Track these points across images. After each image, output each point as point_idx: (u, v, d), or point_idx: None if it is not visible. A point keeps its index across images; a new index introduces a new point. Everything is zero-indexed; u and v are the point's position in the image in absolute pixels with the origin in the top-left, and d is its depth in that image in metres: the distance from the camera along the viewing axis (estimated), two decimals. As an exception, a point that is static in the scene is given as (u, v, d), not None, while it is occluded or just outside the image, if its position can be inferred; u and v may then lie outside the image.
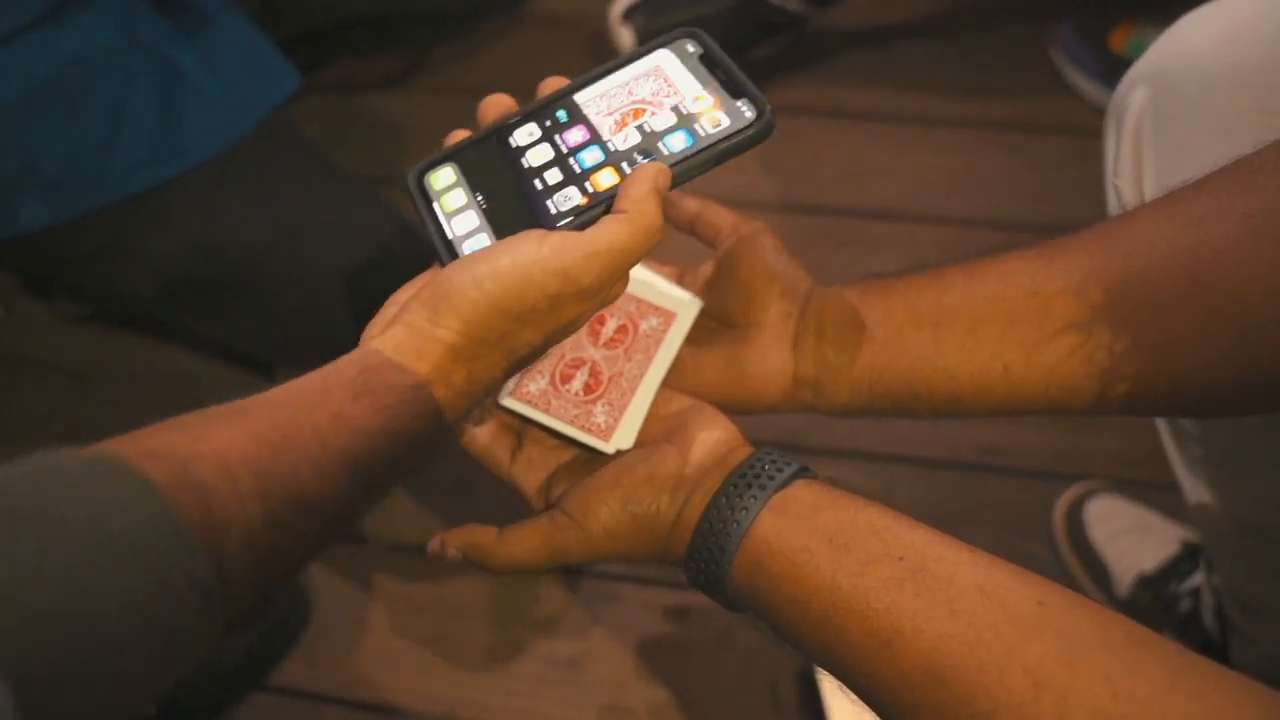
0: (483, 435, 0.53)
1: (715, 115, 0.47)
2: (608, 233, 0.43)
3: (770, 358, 0.53)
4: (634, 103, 0.49)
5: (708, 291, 0.56)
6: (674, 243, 0.60)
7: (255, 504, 0.35)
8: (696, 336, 0.54)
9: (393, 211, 0.92)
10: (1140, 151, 0.57)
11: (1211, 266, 0.45)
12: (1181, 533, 0.87)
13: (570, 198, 0.46)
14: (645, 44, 0.50)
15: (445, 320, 0.43)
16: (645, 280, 0.55)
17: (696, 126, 0.47)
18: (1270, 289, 0.44)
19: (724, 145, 0.47)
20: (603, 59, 1.21)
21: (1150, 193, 0.57)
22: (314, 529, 0.38)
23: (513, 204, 0.47)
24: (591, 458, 0.51)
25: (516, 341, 0.44)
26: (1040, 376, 0.49)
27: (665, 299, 0.55)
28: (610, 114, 0.49)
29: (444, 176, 0.49)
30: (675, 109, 0.48)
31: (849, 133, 1.19)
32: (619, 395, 0.52)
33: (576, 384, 0.53)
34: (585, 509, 0.48)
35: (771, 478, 0.46)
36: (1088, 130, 1.16)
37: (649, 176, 0.45)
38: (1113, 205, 0.61)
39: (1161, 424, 0.67)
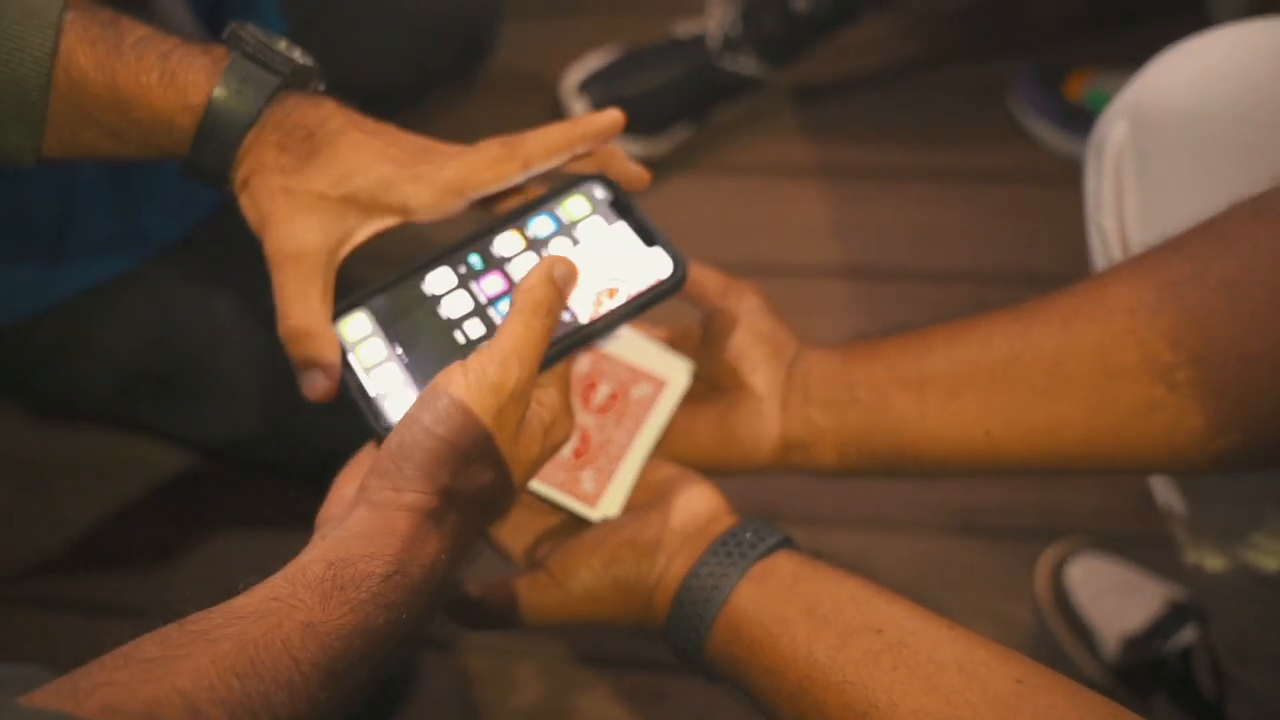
0: None
1: (632, 268, 0.48)
2: (510, 332, 0.44)
3: (759, 420, 0.53)
4: (552, 249, 0.49)
5: (696, 353, 0.56)
6: (679, 315, 0.60)
7: None
8: (686, 399, 0.55)
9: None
10: (1121, 186, 0.57)
11: (1191, 327, 0.45)
12: (1165, 590, 0.86)
13: None
14: (555, 187, 0.50)
15: (410, 484, 0.42)
16: (638, 345, 0.55)
17: (619, 281, 0.48)
18: (1245, 355, 0.44)
19: (646, 298, 0.47)
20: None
21: (1132, 226, 0.57)
22: None
23: (435, 357, 0.47)
24: (578, 523, 0.52)
25: (481, 484, 0.43)
26: (1021, 441, 0.49)
27: (657, 365, 0.55)
28: (524, 261, 0.49)
29: (358, 325, 0.48)
30: (591, 262, 0.48)
31: (811, 190, 1.19)
32: (607, 462, 0.53)
33: (566, 449, 0.53)
34: (567, 570, 0.49)
35: (753, 546, 0.46)
36: (1050, 178, 1.17)
37: (543, 265, 0.46)
38: (1094, 242, 0.61)
39: (1159, 480, 0.66)
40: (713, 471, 0.53)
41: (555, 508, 0.53)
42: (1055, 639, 0.88)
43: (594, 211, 0.50)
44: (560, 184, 0.51)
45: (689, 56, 1.15)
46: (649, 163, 1.16)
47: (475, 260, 0.49)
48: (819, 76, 1.25)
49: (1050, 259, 1.04)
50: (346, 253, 0.48)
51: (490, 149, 0.48)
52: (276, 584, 0.39)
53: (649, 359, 0.55)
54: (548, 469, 0.52)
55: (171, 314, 0.85)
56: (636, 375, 0.55)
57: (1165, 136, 0.54)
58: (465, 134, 1.30)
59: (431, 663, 0.89)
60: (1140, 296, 0.46)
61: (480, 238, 0.50)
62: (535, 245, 0.49)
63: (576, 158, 0.50)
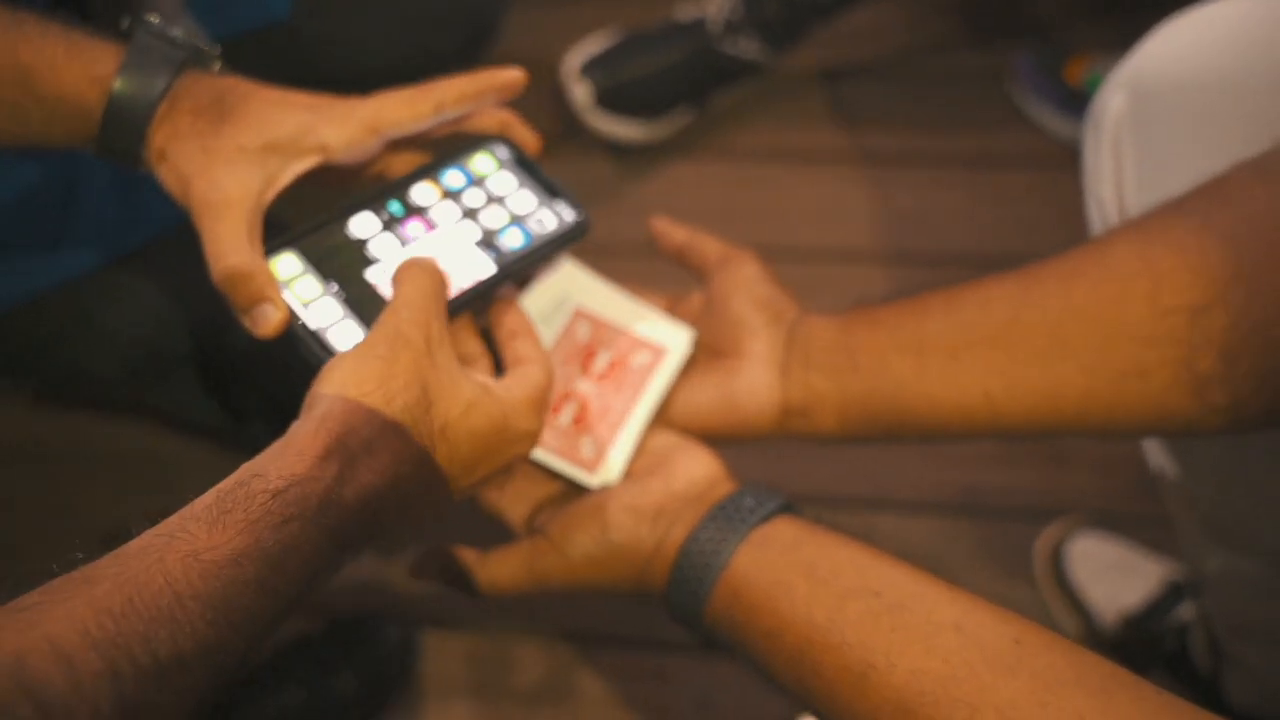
0: None
1: (541, 214, 0.52)
2: (526, 383, 0.48)
3: (760, 387, 0.54)
4: (465, 199, 0.52)
5: (698, 321, 0.56)
6: (664, 271, 0.62)
7: (103, 685, 0.31)
8: (687, 366, 0.55)
9: None
10: (1120, 157, 0.58)
11: (1192, 287, 0.45)
12: (1163, 569, 0.86)
13: None
14: (460, 146, 0.53)
15: (328, 401, 0.41)
16: (639, 313, 0.56)
17: (530, 224, 0.51)
18: (1242, 307, 0.44)
19: (554, 243, 0.51)
20: (566, 109, 1.21)
21: (1130, 198, 0.57)
22: (192, 687, 0.34)
23: (371, 292, 0.49)
24: (577, 490, 0.52)
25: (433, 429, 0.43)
26: (1021, 402, 0.50)
27: (657, 333, 0.56)
28: (442, 209, 0.52)
29: (288, 264, 0.49)
30: (506, 208, 0.52)
31: (813, 175, 1.19)
32: (607, 429, 0.53)
33: (565, 417, 0.54)
34: (567, 535, 0.49)
35: (753, 511, 0.47)
36: (1050, 162, 1.17)
37: (516, 323, 0.50)
38: (1093, 215, 0.61)
39: (1159, 457, 0.67)
40: (714, 438, 0.54)
41: (554, 475, 0.53)
42: (1054, 616, 0.88)
43: (500, 168, 0.53)
44: (466, 143, 0.54)
45: (689, 40, 1.15)
46: (650, 146, 1.18)
47: (396, 207, 0.51)
48: (820, 61, 1.25)
49: (1051, 242, 1.02)
50: (272, 197, 0.49)
51: (404, 91, 0.50)
52: (167, 521, 0.37)
53: (649, 327, 0.56)
54: (548, 435, 0.52)
55: (176, 294, 0.85)
56: (636, 343, 0.55)
57: (1163, 106, 0.54)
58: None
59: (432, 642, 0.90)
60: (1142, 254, 0.47)
61: (397, 188, 0.52)
62: (450, 195, 0.52)
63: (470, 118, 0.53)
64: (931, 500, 0.96)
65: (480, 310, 0.51)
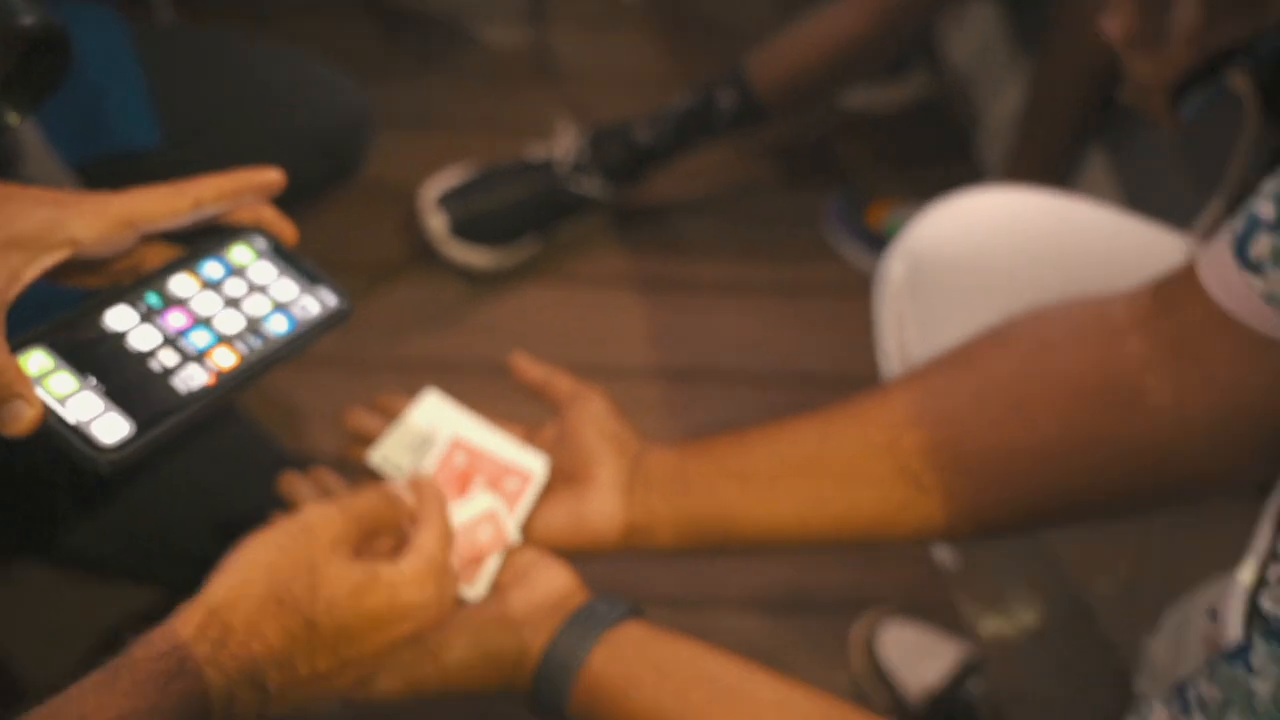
0: None
1: (304, 301, 0.53)
2: (416, 560, 0.51)
3: (608, 508, 0.61)
4: (226, 289, 0.52)
5: (553, 449, 0.63)
6: (509, 388, 0.68)
7: None
8: (544, 491, 0.62)
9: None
10: (902, 317, 0.70)
11: (948, 431, 0.57)
12: (959, 648, 0.98)
13: (195, 376, 0.48)
14: (217, 239, 0.53)
15: (216, 580, 0.46)
16: (504, 443, 0.62)
17: (294, 310, 0.52)
18: (985, 455, 0.57)
19: (319, 326, 0.52)
20: (421, 236, 1.27)
21: (913, 348, 0.69)
22: None
23: (135, 383, 0.47)
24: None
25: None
26: (826, 522, 0.60)
27: (522, 459, 0.62)
28: (203, 299, 0.51)
29: (38, 361, 0.47)
30: (269, 296, 0.52)
31: (647, 300, 1.30)
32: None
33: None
34: (442, 645, 0.54)
35: (604, 617, 0.54)
36: (856, 293, 1.31)
37: (422, 507, 0.54)
38: (880, 362, 0.73)
39: (941, 552, 0.78)
40: (567, 553, 0.60)
41: None
42: (869, 697, 0.98)
43: (259, 258, 0.54)
44: (223, 236, 0.53)
45: (538, 178, 1.26)
46: (499, 272, 1.27)
47: (154, 299, 0.50)
48: (656, 198, 1.38)
49: (857, 363, 1.18)
50: (16, 293, 0.46)
51: (162, 186, 0.50)
52: (65, 692, 0.40)
53: (515, 455, 0.62)
54: None
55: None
56: (506, 469, 0.61)
57: (934, 278, 0.67)
58: (323, 240, 1.35)
59: None
60: (910, 405, 0.58)
61: (154, 280, 0.51)
62: (211, 287, 0.52)
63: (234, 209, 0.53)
64: (763, 598, 1.06)
65: (244, 390, 0.51)
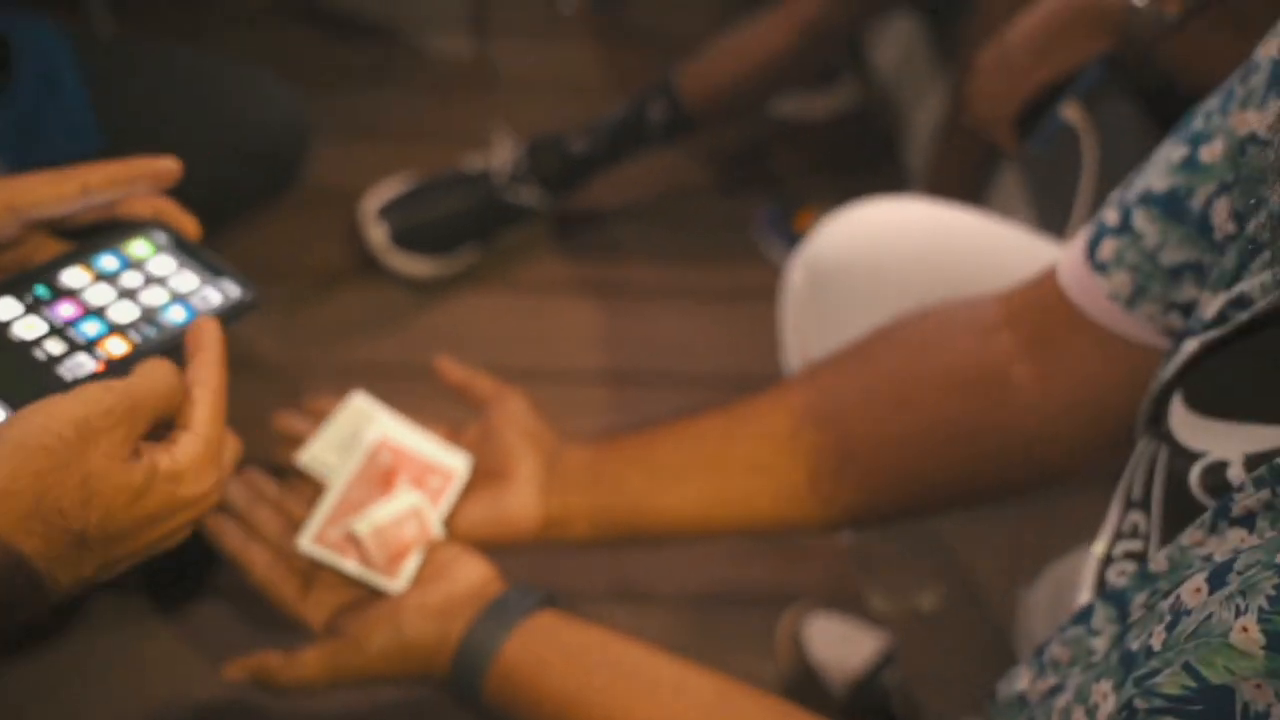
0: (261, 571, 0.60)
1: (205, 292, 0.51)
2: (187, 452, 0.44)
3: (526, 503, 0.64)
4: (122, 281, 0.50)
5: (475, 448, 0.66)
6: (456, 408, 0.70)
7: None
8: (466, 488, 0.65)
9: None
10: (801, 320, 0.74)
11: (839, 424, 0.62)
12: (878, 638, 1.03)
13: (83, 364, 0.46)
14: (113, 232, 0.52)
15: None
16: (424, 442, 0.65)
17: (194, 301, 0.51)
18: (878, 437, 0.61)
19: (223, 316, 0.50)
20: (362, 246, 1.30)
21: (812, 346, 0.73)
22: None
23: (18, 373, 0.45)
24: (372, 596, 0.60)
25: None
26: (728, 510, 0.64)
27: (444, 458, 0.65)
28: (96, 291, 0.49)
29: None
30: (167, 287, 0.51)
31: (583, 304, 1.34)
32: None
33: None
34: (364, 634, 0.57)
35: (518, 605, 0.57)
36: (783, 298, 1.38)
37: (196, 384, 0.46)
38: (783, 359, 0.78)
39: (847, 537, 0.83)
40: (486, 546, 0.63)
41: (354, 582, 0.61)
42: (795, 686, 1.03)
43: (158, 251, 0.52)
44: (120, 229, 0.52)
45: (477, 188, 1.30)
46: (440, 280, 1.30)
47: (42, 291, 0.49)
48: (591, 205, 1.42)
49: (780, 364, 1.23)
50: None
51: (47, 171, 0.48)
52: None
53: (438, 454, 0.65)
54: (350, 547, 0.61)
55: None
56: (430, 468, 0.65)
57: (830, 284, 0.71)
58: (267, 248, 1.37)
59: None
60: (805, 401, 0.63)
61: (43, 272, 0.49)
62: (106, 279, 0.50)
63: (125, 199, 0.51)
64: (693, 594, 1.10)
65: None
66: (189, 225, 0.53)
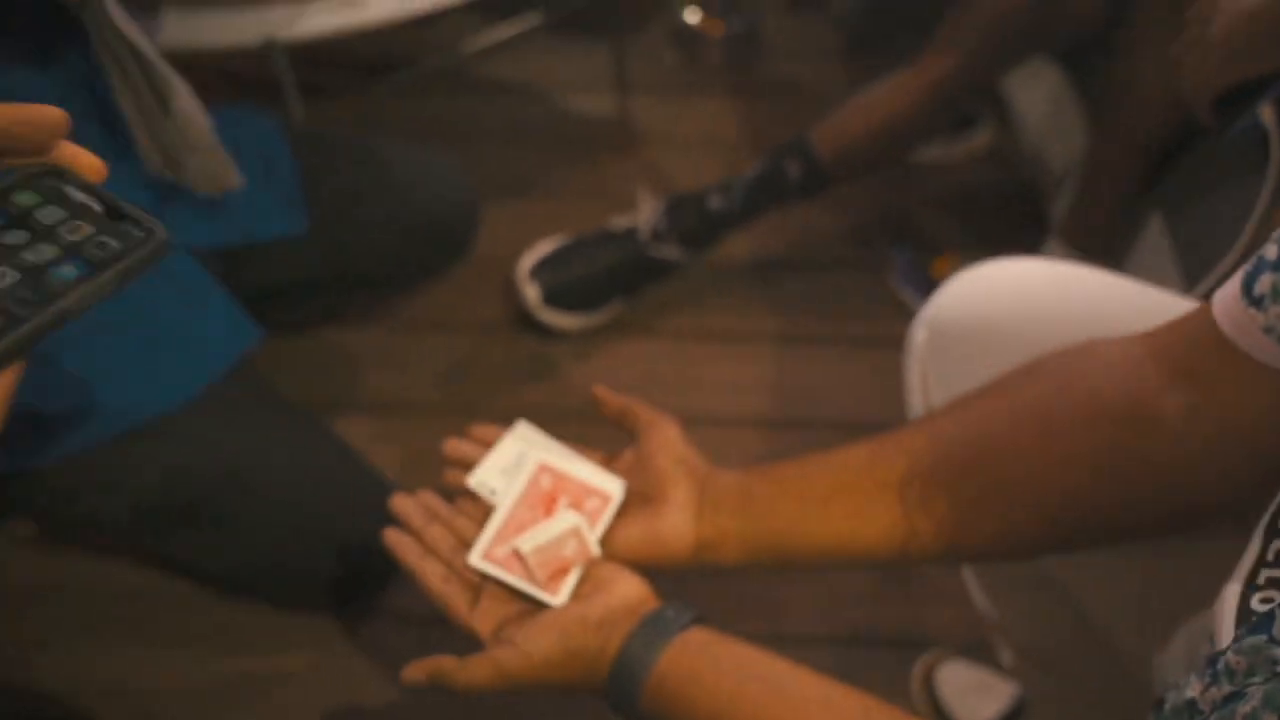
0: (436, 584, 0.66)
1: (100, 240, 0.45)
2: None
3: (679, 525, 0.67)
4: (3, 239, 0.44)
5: (629, 473, 0.70)
6: (599, 433, 0.75)
7: None
8: (621, 510, 0.69)
9: (330, 437, 1.08)
10: (926, 378, 0.76)
11: (984, 454, 0.63)
12: (1013, 689, 1.04)
13: None
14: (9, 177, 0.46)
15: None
16: (585, 467, 0.71)
17: (88, 251, 0.45)
18: (1023, 465, 0.62)
19: (124, 265, 0.44)
20: (515, 302, 1.40)
21: (937, 403, 0.75)
22: None
23: None
24: (535, 609, 0.66)
25: None
26: (875, 536, 0.65)
27: (601, 482, 0.70)
28: None
29: None
30: (54, 239, 0.44)
31: (724, 352, 1.39)
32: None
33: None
34: (530, 641, 0.62)
35: (674, 621, 0.62)
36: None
37: None
38: (910, 414, 0.80)
39: (979, 598, 0.85)
40: (641, 567, 0.66)
41: (518, 596, 0.67)
42: (927, 731, 1.05)
43: (46, 202, 0.46)
44: (5, 179, 0.48)
45: (622, 246, 1.37)
46: (587, 332, 1.38)
47: None
48: (729, 255, 1.47)
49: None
50: None
51: None
52: None
53: (595, 478, 0.70)
54: (516, 565, 0.66)
55: (184, 453, 0.97)
56: (588, 490, 0.70)
57: (953, 344, 0.73)
58: (434, 307, 1.48)
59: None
60: (951, 429, 0.64)
61: None
62: None
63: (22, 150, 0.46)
64: (829, 634, 1.14)
65: (26, 345, 0.42)
66: (90, 163, 0.47)
